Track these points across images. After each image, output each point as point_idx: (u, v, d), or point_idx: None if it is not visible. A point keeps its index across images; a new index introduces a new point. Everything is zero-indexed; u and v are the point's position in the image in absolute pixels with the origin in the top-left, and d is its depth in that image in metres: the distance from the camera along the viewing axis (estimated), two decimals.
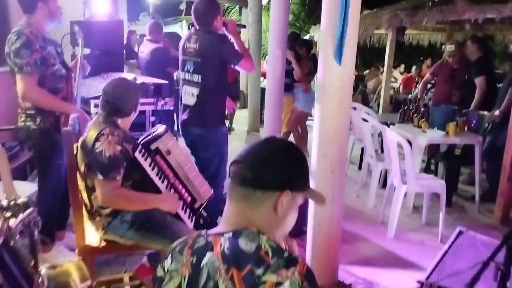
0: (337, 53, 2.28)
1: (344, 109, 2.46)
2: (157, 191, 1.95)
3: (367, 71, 9.70)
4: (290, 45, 5.76)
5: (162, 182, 1.96)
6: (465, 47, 4.59)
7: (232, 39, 2.88)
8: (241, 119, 7.44)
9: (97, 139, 1.84)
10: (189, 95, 2.82)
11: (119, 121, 1.96)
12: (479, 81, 4.36)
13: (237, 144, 6.39)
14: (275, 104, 4.67)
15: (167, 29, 11.60)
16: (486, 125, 4.21)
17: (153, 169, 1.94)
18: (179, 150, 2.08)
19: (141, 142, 1.97)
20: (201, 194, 2.14)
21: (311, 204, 2.61)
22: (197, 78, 2.79)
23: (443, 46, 10.12)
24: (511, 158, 3.57)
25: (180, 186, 2.07)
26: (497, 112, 3.98)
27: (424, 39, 9.63)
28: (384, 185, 4.27)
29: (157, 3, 9.95)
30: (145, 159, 1.92)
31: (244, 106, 8.31)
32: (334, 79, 2.41)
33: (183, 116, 2.89)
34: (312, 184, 2.54)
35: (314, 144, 2.54)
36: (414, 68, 8.09)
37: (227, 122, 7.07)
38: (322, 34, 2.41)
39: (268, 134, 5.00)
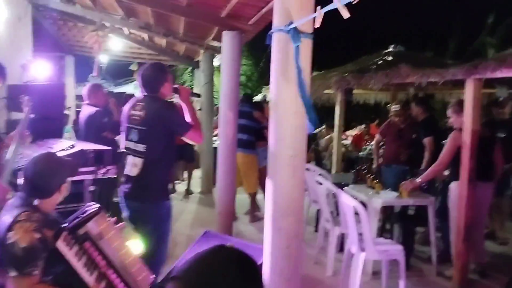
0: (312, 120, 2.18)
1: (298, 178, 2.32)
2: (85, 285, 1.65)
3: (320, 129, 9.92)
4: (257, 106, 5.80)
5: (91, 274, 1.67)
6: (410, 108, 4.76)
7: (184, 107, 2.71)
8: (196, 180, 7.20)
9: (10, 228, 1.55)
10: (131, 166, 2.59)
11: (40, 202, 1.69)
12: (427, 141, 4.48)
13: (190, 207, 6.09)
14: (227, 166, 4.52)
15: (118, 89, 11.43)
16: (437, 184, 4.26)
17: (80, 259, 1.66)
18: (113, 232, 1.81)
19: (67, 227, 1.69)
20: (138, 283, 1.85)
21: None
22: (141, 147, 2.57)
23: (387, 106, 10.67)
24: (465, 219, 3.56)
25: (114, 276, 1.78)
26: (446, 172, 4.04)
27: (371, 98, 10.08)
28: (342, 249, 4.12)
29: (107, 64, 9.84)
30: (70, 248, 1.64)
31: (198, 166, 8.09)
32: (286, 147, 2.29)
33: (124, 188, 2.64)
34: (266, 260, 2.37)
35: (267, 218, 2.36)
36: (363, 126, 8.34)
37: (185, 185, 6.82)
38: (272, 101, 2.32)
39: (221, 196, 4.81)
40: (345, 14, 1.50)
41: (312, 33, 2.21)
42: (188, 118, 2.64)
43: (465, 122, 3.59)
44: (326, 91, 7.23)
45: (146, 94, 2.67)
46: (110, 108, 4.51)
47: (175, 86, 2.76)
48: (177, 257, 2.82)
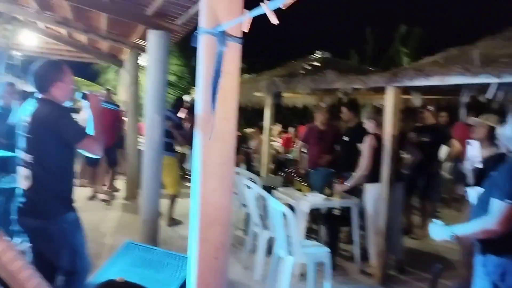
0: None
1: (226, 187, 2.23)
2: None
3: (251, 130, 9.99)
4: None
5: None
6: (341, 113, 4.90)
7: (92, 116, 2.46)
8: (121, 185, 6.82)
9: None
10: (23, 178, 2.31)
11: None
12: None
13: (112, 215, 5.75)
14: (153, 171, 4.32)
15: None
16: (360, 186, 4.43)
17: None
18: (12, 255, 1.59)
19: None
20: None
21: None
22: (29, 158, 2.29)
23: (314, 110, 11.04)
24: (385, 219, 3.75)
25: None
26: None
27: (299, 102, 10.37)
28: (270, 251, 4.13)
29: (22, 60, 9.00)
30: None
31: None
32: (213, 155, 2.19)
33: (18, 202, 2.35)
34: (192, 272, 2.26)
35: (193, 228, 2.25)
36: (292, 129, 8.52)
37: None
38: (198, 109, 2.22)
39: (146, 202, 4.59)
40: (274, 20, 1.45)
41: (241, 38, 2.15)
42: (91, 127, 2.41)
43: (385, 127, 3.77)
44: (256, 94, 7.27)
45: (40, 96, 2.40)
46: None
47: (85, 92, 2.52)
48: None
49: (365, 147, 3.90)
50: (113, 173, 6.56)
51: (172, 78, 11.01)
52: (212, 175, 2.20)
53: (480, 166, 2.72)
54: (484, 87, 3.37)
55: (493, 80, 2.83)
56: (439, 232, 2.27)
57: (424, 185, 5.25)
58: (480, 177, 2.76)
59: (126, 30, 5.59)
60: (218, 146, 2.17)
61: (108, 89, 7.63)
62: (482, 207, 2.18)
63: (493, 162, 2.75)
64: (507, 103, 3.22)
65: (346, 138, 4.75)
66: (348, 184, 4.06)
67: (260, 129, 9.23)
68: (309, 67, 6.89)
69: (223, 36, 2.03)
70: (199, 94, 2.23)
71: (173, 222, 5.32)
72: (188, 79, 11.23)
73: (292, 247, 3.24)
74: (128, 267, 2.67)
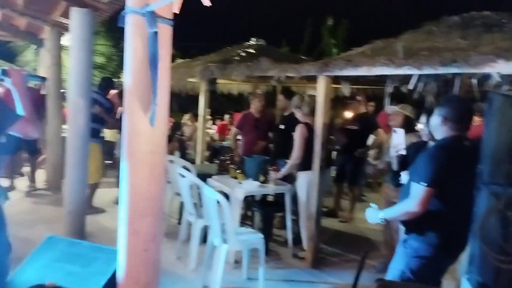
0: (152, 116, 2.00)
1: (157, 176, 2.15)
2: None
3: (186, 117, 9.78)
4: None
5: None
6: (278, 101, 4.92)
7: (15, 93, 2.23)
8: (42, 174, 6.34)
9: None
10: None
11: None
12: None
13: (34, 207, 5.33)
14: (78, 159, 4.05)
15: None
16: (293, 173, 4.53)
17: None
18: None
19: None
20: None
21: None
22: None
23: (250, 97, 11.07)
24: (317, 204, 3.87)
25: None
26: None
27: (234, 89, 10.34)
28: (205, 240, 4.10)
29: None
30: None
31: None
32: (143, 142, 2.09)
33: None
34: (121, 266, 2.17)
35: (122, 220, 2.14)
36: (227, 116, 8.48)
37: (27, 181, 5.95)
38: (128, 93, 2.10)
39: (70, 192, 4.29)
40: (206, 1, 1.39)
41: (172, 19, 2.05)
42: (20, 107, 2.20)
43: (317, 115, 3.87)
44: (190, 80, 7.11)
45: None
46: None
47: (4, 68, 2.28)
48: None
49: (297, 136, 3.98)
50: (34, 162, 6.08)
51: (99, 59, 10.39)
52: (141, 163, 2.10)
53: (404, 153, 2.89)
54: (407, 78, 3.58)
55: (414, 71, 3.00)
56: (372, 215, 2.41)
57: (351, 171, 5.50)
58: (403, 163, 2.95)
59: (46, 6, 5.13)
60: (148, 133, 2.08)
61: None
62: (406, 192, 2.33)
63: (414, 149, 2.94)
64: (426, 94, 3.45)
65: (282, 126, 4.81)
66: (282, 172, 4.13)
67: (195, 115, 9.10)
68: (244, 54, 6.88)
69: (152, 17, 1.92)
70: (128, 78, 2.11)
71: (93, 210, 5.06)
72: (117, 61, 10.66)
73: (226, 235, 3.23)
74: (51, 263, 2.49)
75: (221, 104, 12.95)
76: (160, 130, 2.14)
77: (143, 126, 2.05)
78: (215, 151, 7.47)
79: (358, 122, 5.44)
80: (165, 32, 2.06)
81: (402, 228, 2.89)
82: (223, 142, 7.45)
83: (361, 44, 4.48)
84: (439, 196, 2.17)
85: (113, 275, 2.34)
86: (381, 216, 2.38)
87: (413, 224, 2.30)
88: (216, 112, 11.35)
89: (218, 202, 3.20)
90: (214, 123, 10.13)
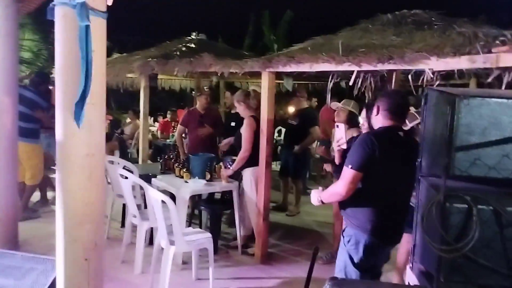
0: (76, 114, 1.85)
1: (96, 180, 2.02)
2: None
3: (126, 116, 9.38)
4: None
5: None
6: (225, 98, 4.85)
7: None
8: None
9: None
10: None
11: None
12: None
13: None
14: (6, 162, 3.72)
15: None
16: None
17: None
18: None
19: None
20: None
21: None
22: None
23: (193, 92, 10.87)
24: (264, 200, 3.88)
25: None
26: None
27: (176, 84, 10.10)
28: (151, 242, 3.97)
29: None
30: None
31: None
32: (79, 145, 1.96)
33: None
34: (60, 277, 2.02)
35: (59, 228, 1.99)
36: (170, 113, 8.24)
37: None
38: (59, 91, 1.94)
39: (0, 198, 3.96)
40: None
41: (105, 12, 1.92)
42: None
43: (261, 111, 3.87)
44: (129, 75, 6.82)
45: None
46: None
47: None
48: None
49: (246, 128, 3.94)
50: None
51: (26, 54, 9.65)
52: (77, 167, 1.96)
53: (345, 147, 2.97)
54: (346, 74, 3.68)
55: (354, 68, 3.09)
56: (314, 197, 2.50)
57: (294, 165, 5.59)
58: (345, 156, 3.03)
59: None
60: (84, 135, 1.94)
61: None
62: None
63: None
64: (366, 90, 3.57)
65: (232, 124, 4.78)
66: (233, 167, 4.07)
67: (135, 113, 8.76)
68: (185, 49, 6.72)
69: (83, 9, 1.78)
70: (58, 75, 1.95)
71: (29, 214, 4.75)
72: (47, 57, 9.97)
73: (174, 237, 3.14)
74: None
75: (163, 101, 12.60)
76: (97, 131, 2.01)
77: (77, 128, 1.91)
78: (158, 150, 7.25)
79: (298, 117, 5.53)
80: (98, 25, 1.92)
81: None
82: (167, 140, 7.23)
83: (302, 39, 4.54)
84: (368, 182, 2.27)
85: None
86: (319, 197, 2.46)
87: (348, 211, 2.38)
88: (157, 108, 11.01)
89: (163, 202, 3.09)
90: (156, 120, 9.84)
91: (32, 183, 4.89)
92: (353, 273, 2.33)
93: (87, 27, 1.77)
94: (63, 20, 1.86)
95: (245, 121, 3.96)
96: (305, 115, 5.53)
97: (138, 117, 8.55)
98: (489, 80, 2.50)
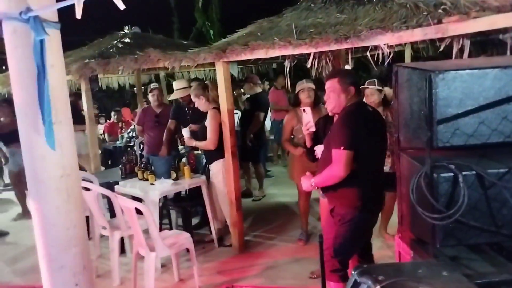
0: (48, 136, 1.72)
1: (75, 201, 1.90)
2: None
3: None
4: None
5: None
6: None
7: None
8: None
9: None
10: None
11: None
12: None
13: None
14: None
15: None
16: (204, 162, 4.44)
17: None
18: None
19: None
20: None
21: None
22: None
23: (134, 88, 10.42)
24: (235, 191, 3.87)
25: None
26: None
27: (113, 82, 9.64)
28: (123, 251, 3.84)
29: None
30: None
31: None
32: (52, 167, 1.82)
33: None
34: None
35: (43, 256, 1.86)
36: (113, 113, 7.86)
37: None
38: (20, 113, 1.78)
39: None
40: (121, 5, 1.22)
41: (59, 22, 1.78)
42: None
43: (220, 102, 3.82)
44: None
45: None
46: None
47: None
48: None
49: (210, 122, 3.85)
50: None
51: None
52: (54, 191, 1.83)
53: (314, 129, 3.03)
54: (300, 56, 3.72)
55: (311, 50, 3.12)
56: (306, 183, 2.55)
57: (252, 149, 5.60)
58: (316, 138, 3.10)
59: None
60: (56, 155, 1.80)
61: None
62: (326, 164, 2.46)
63: (322, 123, 3.10)
64: (323, 70, 3.63)
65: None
66: (197, 142, 3.96)
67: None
68: (122, 45, 6.41)
69: (38, 22, 1.63)
70: (17, 96, 1.79)
71: None
72: None
73: (153, 242, 3.05)
74: None
75: (101, 101, 11.98)
76: (69, 149, 1.87)
77: (47, 149, 1.77)
78: (108, 154, 6.91)
79: (249, 103, 5.54)
80: (54, 38, 1.77)
81: (322, 197, 3.07)
82: (117, 142, 6.92)
83: (235, 23, 4.48)
84: (355, 158, 2.35)
85: None
86: (312, 182, 2.51)
87: (335, 191, 2.45)
88: (98, 110, 10.47)
89: (137, 209, 2.98)
90: (98, 123, 9.36)
91: None
92: (343, 248, 2.44)
93: (42, 41, 1.61)
94: (13, 36, 1.69)
95: (209, 114, 3.86)
96: (255, 100, 5.54)
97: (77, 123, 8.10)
98: (441, 49, 2.64)
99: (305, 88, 3.68)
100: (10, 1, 1.67)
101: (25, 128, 1.79)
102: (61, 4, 1.54)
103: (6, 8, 1.68)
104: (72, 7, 1.52)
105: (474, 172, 1.61)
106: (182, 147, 4.98)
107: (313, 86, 3.75)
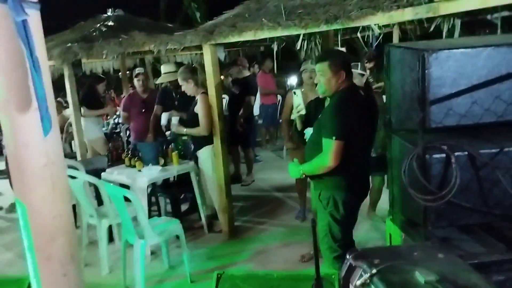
0: (44, 119, 1.65)
1: (61, 190, 1.82)
2: None
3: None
4: None
5: None
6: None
7: None
8: None
9: None
10: None
11: None
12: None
13: None
14: None
15: None
16: (192, 148, 4.38)
17: None
18: None
19: None
20: None
21: None
22: None
23: (119, 73, 10.21)
24: (224, 177, 3.84)
25: None
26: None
27: (98, 67, 9.43)
28: (111, 239, 3.79)
29: None
30: None
31: None
32: (35, 155, 1.75)
33: None
34: None
35: (28, 247, 1.80)
36: None
37: None
38: (2, 99, 1.70)
39: None
40: None
41: (39, 2, 1.69)
42: None
43: (208, 86, 3.74)
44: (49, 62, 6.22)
45: None
46: None
47: None
48: None
49: (201, 107, 3.76)
50: None
51: None
52: (38, 180, 1.76)
53: (304, 112, 3.00)
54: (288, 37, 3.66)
55: (300, 31, 3.07)
56: (294, 171, 2.51)
57: (241, 134, 5.56)
58: (306, 121, 3.07)
59: None
60: (38, 143, 1.73)
61: None
62: (313, 147, 2.44)
63: (313, 106, 3.07)
64: (312, 52, 3.58)
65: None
66: (185, 128, 3.88)
67: (60, 104, 8.08)
68: (105, 28, 6.24)
69: (17, 2, 1.55)
70: (2, 82, 1.70)
71: None
72: None
73: (141, 230, 3.01)
74: None
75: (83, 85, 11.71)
76: (53, 136, 1.80)
77: (30, 136, 1.70)
78: None
79: (239, 86, 5.46)
80: (34, 19, 1.68)
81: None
82: (103, 129, 6.78)
83: (222, 5, 4.37)
84: (346, 146, 2.32)
85: None
86: (300, 171, 2.48)
87: (320, 175, 2.43)
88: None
89: (125, 197, 2.93)
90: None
91: None
92: (338, 233, 2.43)
93: (25, 21, 1.54)
94: None
95: (199, 99, 3.77)
96: (245, 83, 5.46)
97: (62, 109, 7.93)
98: (431, 29, 2.62)
99: (308, 69, 3.56)
100: None
101: (9, 116, 1.72)
102: None
103: None
104: None
105: (466, 153, 1.61)
106: (169, 133, 4.91)
107: (308, 67, 3.67)
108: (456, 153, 1.59)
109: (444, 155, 1.60)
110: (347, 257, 1.23)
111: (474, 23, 4.06)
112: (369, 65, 4.57)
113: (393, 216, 2.02)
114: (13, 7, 1.53)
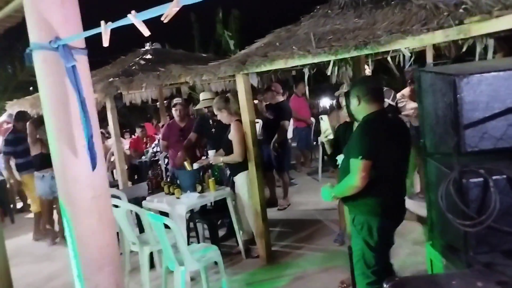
0: (92, 156, 1.79)
1: (106, 220, 1.94)
2: None
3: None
4: None
5: None
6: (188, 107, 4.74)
7: None
8: None
9: None
10: None
11: None
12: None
13: None
14: None
15: None
16: (228, 174, 4.47)
17: None
18: None
19: None
20: None
21: None
22: None
23: (156, 102, 10.60)
24: (260, 202, 3.88)
25: None
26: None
27: (136, 98, 9.85)
28: (152, 266, 3.89)
29: None
30: None
31: None
32: (83, 188, 1.87)
33: None
34: None
35: (77, 277, 1.91)
36: (139, 129, 8.03)
37: None
38: (51, 137, 1.85)
39: None
40: (146, 32, 1.26)
41: (86, 48, 1.85)
42: None
43: (242, 113, 3.85)
44: None
45: None
46: None
47: None
48: None
49: (235, 133, 3.87)
50: None
51: None
52: (85, 212, 1.88)
53: (332, 137, 3.03)
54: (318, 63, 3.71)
55: (331, 58, 3.12)
56: (326, 194, 2.55)
57: (276, 158, 5.60)
58: (335, 145, 3.09)
59: None
60: (86, 177, 1.86)
61: None
62: (344, 171, 2.45)
63: (342, 130, 3.10)
64: (344, 79, 3.63)
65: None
66: (221, 157, 4.00)
67: (102, 135, 8.49)
68: (144, 62, 6.56)
69: (67, 50, 1.71)
70: (49, 121, 1.86)
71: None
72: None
73: (181, 257, 3.09)
74: None
75: (125, 117, 12.25)
76: (100, 171, 1.93)
77: (79, 171, 1.83)
78: (134, 169, 7.05)
79: (274, 111, 5.55)
80: (82, 63, 1.85)
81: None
82: (142, 158, 7.05)
83: (254, 33, 4.50)
84: (374, 166, 2.32)
85: None
86: (332, 193, 2.51)
87: (355, 200, 2.43)
88: (121, 126, 10.69)
89: (165, 225, 3.03)
90: (123, 138, 9.57)
91: (35, 210, 5.50)
92: (372, 259, 2.40)
93: (73, 67, 1.69)
94: (44, 64, 1.76)
95: (232, 127, 3.90)
96: (279, 108, 5.56)
97: (105, 139, 8.30)
98: (463, 50, 2.60)
99: (342, 94, 3.61)
100: (40, 31, 1.75)
101: (59, 152, 1.86)
102: (89, 33, 1.61)
103: (36, 38, 1.77)
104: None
105: (505, 176, 1.58)
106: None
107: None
108: (494, 177, 1.57)
109: (481, 179, 1.58)
110: (384, 286, 1.23)
111: (510, 38, 3.97)
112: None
113: (433, 241, 1.98)
114: (63, 55, 1.69)
